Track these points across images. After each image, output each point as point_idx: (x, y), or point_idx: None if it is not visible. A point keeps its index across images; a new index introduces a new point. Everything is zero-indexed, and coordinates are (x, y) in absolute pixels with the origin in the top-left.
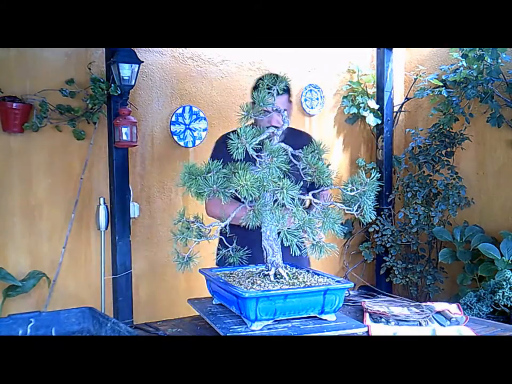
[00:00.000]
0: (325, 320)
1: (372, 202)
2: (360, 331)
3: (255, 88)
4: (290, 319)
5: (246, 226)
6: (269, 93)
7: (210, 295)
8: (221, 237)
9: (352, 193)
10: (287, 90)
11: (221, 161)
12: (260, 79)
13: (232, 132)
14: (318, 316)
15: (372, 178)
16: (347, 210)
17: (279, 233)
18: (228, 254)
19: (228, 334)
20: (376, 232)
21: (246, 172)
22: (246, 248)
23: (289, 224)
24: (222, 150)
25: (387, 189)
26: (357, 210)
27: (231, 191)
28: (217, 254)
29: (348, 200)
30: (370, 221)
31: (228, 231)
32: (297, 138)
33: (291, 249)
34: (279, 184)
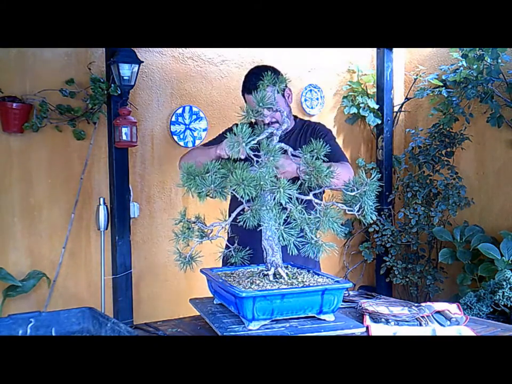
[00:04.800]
0: (323, 320)
1: (373, 202)
2: (358, 331)
3: (249, 84)
4: (288, 319)
5: (245, 226)
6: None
7: (211, 295)
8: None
9: (353, 194)
10: (273, 83)
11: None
12: (253, 72)
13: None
14: (316, 316)
15: (372, 179)
16: (348, 210)
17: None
18: (230, 254)
19: (224, 334)
20: (376, 232)
21: (243, 171)
22: (248, 248)
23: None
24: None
25: (387, 189)
26: (358, 211)
27: (228, 190)
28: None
29: (348, 201)
30: (371, 221)
31: (230, 230)
32: (312, 130)
33: (288, 249)
34: (276, 183)
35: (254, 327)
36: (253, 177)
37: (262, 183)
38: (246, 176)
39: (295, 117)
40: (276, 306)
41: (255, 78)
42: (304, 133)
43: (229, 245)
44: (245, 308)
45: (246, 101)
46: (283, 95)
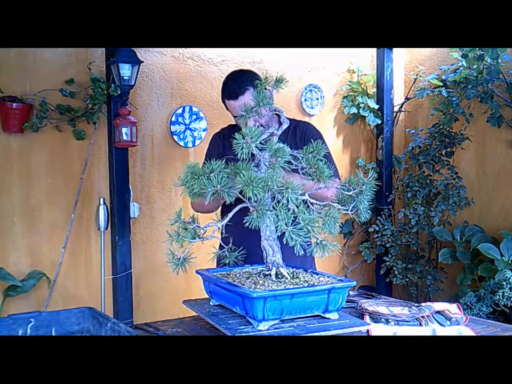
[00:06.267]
0: (328, 318)
1: (368, 202)
2: (364, 328)
3: (228, 90)
4: (294, 318)
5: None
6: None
7: (207, 296)
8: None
9: (349, 193)
10: (252, 85)
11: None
12: (230, 78)
13: (223, 129)
14: (321, 314)
15: (369, 178)
16: (343, 210)
17: (283, 233)
18: (224, 255)
19: (236, 335)
20: (376, 232)
21: (249, 172)
22: (242, 248)
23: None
24: (210, 149)
25: (387, 189)
26: (352, 210)
27: (234, 190)
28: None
29: (344, 200)
30: (365, 220)
31: (224, 231)
32: (302, 129)
33: (295, 249)
34: (283, 184)
35: (264, 327)
36: (261, 178)
37: (270, 184)
38: (254, 177)
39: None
40: (285, 306)
41: (234, 83)
42: (293, 135)
43: (223, 245)
44: (255, 308)
45: (226, 107)
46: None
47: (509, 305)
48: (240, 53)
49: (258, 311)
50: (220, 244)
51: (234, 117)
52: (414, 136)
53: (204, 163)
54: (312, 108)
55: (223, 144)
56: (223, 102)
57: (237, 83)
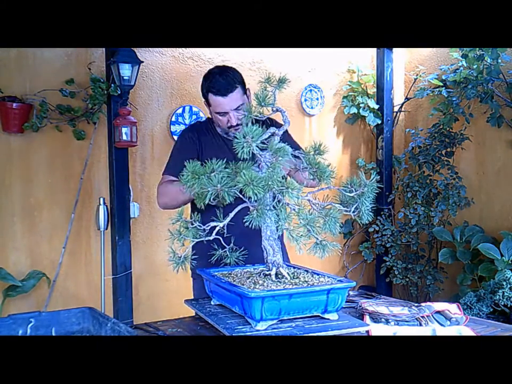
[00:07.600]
0: (328, 319)
1: (370, 203)
2: (363, 329)
3: (217, 84)
4: (293, 318)
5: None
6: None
7: (208, 296)
8: (218, 237)
9: (351, 195)
10: (240, 83)
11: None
12: (215, 72)
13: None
14: (320, 315)
15: (371, 180)
16: (345, 211)
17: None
18: (225, 255)
19: (233, 335)
20: (376, 232)
21: (250, 171)
22: (243, 249)
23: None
24: (182, 147)
25: (387, 189)
26: (354, 211)
27: (234, 190)
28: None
29: (346, 201)
30: (367, 222)
31: (225, 231)
32: None
33: (295, 248)
34: (284, 184)
35: (262, 327)
36: (261, 177)
37: (270, 183)
38: (254, 176)
39: None
40: (283, 306)
41: (224, 79)
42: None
43: (224, 245)
44: (253, 308)
45: (208, 102)
46: (247, 97)
47: (509, 305)
48: (240, 53)
49: (256, 311)
50: (221, 244)
51: (217, 113)
52: (414, 136)
53: (172, 162)
54: (312, 108)
55: (199, 141)
56: (205, 96)
57: (227, 80)
